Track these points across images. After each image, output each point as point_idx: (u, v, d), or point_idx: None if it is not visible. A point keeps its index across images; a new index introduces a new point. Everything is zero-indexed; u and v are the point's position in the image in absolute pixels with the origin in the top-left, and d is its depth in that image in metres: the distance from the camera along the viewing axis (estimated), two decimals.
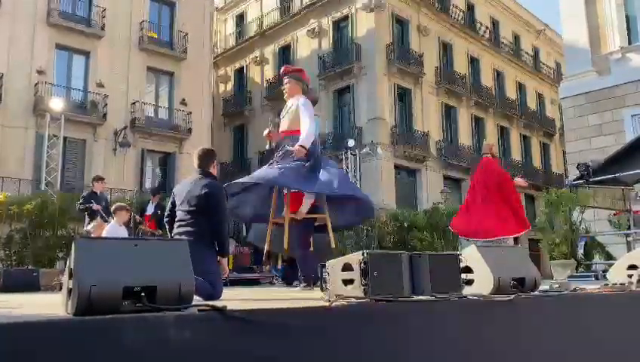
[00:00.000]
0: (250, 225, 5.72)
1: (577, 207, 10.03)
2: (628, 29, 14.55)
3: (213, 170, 3.89)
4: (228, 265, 4.07)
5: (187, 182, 3.92)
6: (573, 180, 10.15)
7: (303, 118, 4.67)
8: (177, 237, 3.63)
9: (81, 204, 8.66)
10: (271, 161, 4.87)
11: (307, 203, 4.77)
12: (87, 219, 8.56)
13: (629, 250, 8.63)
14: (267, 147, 5.42)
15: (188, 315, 1.81)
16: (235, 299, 3.42)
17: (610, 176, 9.38)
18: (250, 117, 25.98)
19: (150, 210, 9.58)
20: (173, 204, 3.87)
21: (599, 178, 9.50)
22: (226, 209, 3.78)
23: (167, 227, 3.98)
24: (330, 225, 4.69)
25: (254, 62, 26.62)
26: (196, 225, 3.62)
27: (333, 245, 4.67)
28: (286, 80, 5.00)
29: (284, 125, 4.89)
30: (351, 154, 18.26)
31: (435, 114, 23.71)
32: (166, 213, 3.98)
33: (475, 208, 7.19)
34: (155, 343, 1.67)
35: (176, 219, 3.76)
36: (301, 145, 4.54)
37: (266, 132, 5.13)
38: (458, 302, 2.55)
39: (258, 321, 1.88)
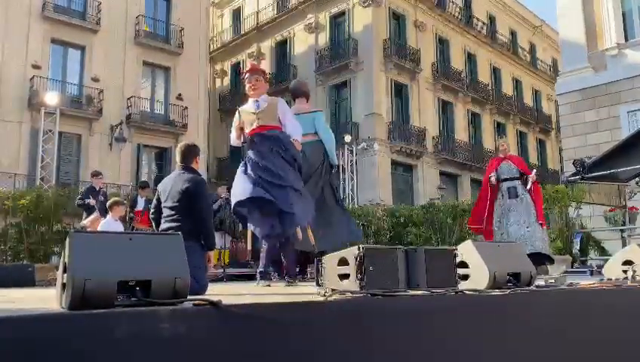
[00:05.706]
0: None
1: (573, 203, 10.07)
2: (624, 25, 14.55)
3: (196, 165, 3.93)
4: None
5: (170, 178, 3.94)
6: (569, 176, 10.16)
7: (292, 120, 4.76)
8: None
9: (80, 199, 8.87)
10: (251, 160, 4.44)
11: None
12: (85, 214, 8.78)
13: (624, 245, 8.67)
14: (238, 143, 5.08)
15: (183, 309, 1.80)
16: (230, 293, 3.41)
17: (605, 172, 9.40)
18: None
19: (140, 204, 9.53)
20: (159, 201, 3.90)
21: (595, 174, 9.52)
22: (208, 203, 3.82)
23: (153, 224, 4.02)
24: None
25: (251, 57, 26.52)
26: (180, 221, 3.66)
27: (312, 242, 4.57)
28: (258, 78, 4.99)
29: (261, 122, 4.79)
30: (347, 149, 18.25)
31: (432, 109, 23.72)
32: (151, 211, 4.02)
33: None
34: (150, 337, 1.66)
35: (162, 215, 3.80)
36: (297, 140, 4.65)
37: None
38: (453, 296, 2.55)
39: (253, 316, 1.88)
